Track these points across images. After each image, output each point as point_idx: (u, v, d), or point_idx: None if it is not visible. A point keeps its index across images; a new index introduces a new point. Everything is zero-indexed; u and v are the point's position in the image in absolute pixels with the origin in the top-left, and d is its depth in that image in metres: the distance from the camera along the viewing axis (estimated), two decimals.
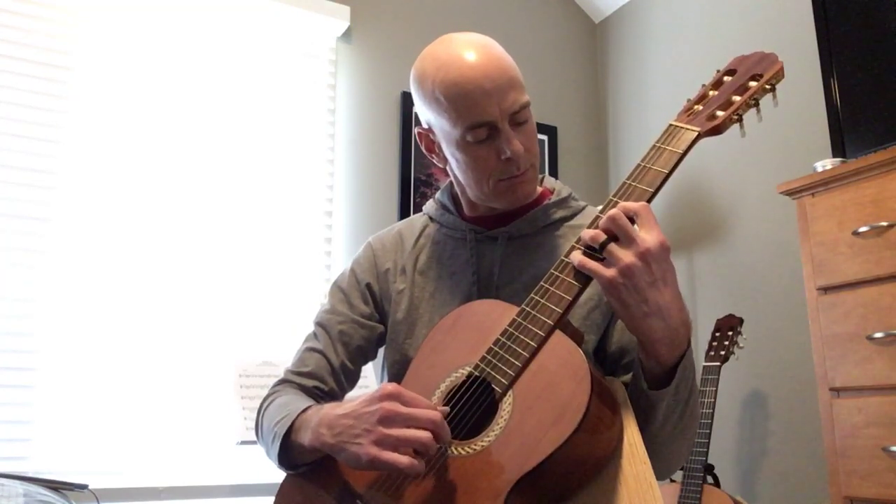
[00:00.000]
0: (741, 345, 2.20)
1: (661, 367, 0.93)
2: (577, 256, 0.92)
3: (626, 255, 0.87)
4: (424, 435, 0.86)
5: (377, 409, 0.88)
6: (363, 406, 0.91)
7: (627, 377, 1.05)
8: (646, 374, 0.95)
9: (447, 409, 0.92)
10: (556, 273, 0.95)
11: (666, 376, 0.94)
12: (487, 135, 1.05)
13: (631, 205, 0.91)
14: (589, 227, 0.95)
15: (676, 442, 1.01)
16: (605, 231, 0.91)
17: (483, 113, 1.03)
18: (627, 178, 0.97)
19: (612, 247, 0.89)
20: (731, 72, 1.04)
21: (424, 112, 1.12)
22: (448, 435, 0.88)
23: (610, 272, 0.88)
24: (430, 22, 2.89)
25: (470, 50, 1.06)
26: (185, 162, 2.39)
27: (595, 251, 0.92)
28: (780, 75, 1.01)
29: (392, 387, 0.90)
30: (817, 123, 2.20)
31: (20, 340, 2.07)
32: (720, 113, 0.99)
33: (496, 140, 1.05)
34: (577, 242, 0.95)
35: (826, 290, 1.75)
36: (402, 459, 0.85)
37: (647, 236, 0.88)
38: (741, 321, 2.22)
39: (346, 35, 2.74)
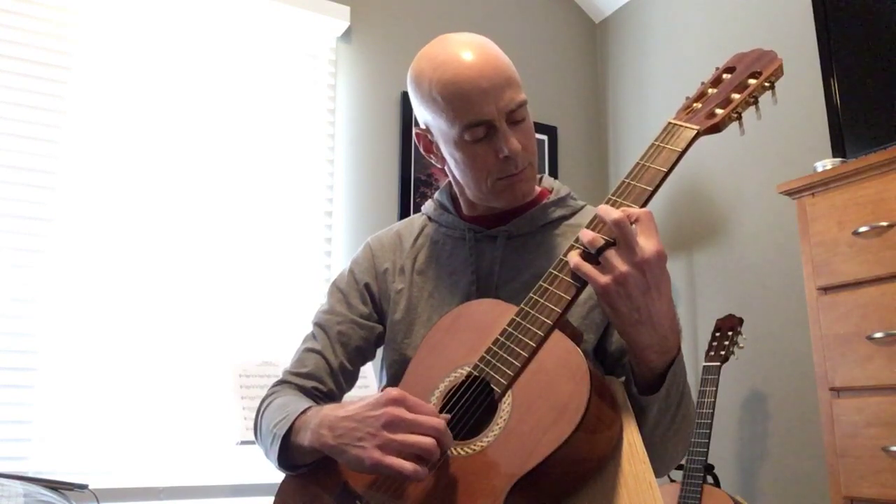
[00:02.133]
0: (741, 345, 2.20)
1: (652, 373, 0.94)
2: (574, 258, 0.92)
3: (622, 263, 0.87)
4: (429, 441, 0.85)
5: (382, 414, 0.88)
6: (367, 410, 0.91)
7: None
8: (636, 378, 0.96)
9: (449, 416, 0.92)
10: (555, 272, 0.95)
11: (656, 381, 0.94)
12: (485, 134, 1.05)
13: (634, 210, 0.91)
14: (588, 226, 0.94)
15: (670, 443, 1.01)
16: (607, 234, 0.90)
17: (480, 112, 1.03)
18: (626, 177, 0.97)
19: (610, 253, 0.88)
20: (730, 69, 1.04)
21: (422, 112, 1.12)
22: (450, 442, 0.88)
23: (604, 279, 0.88)
24: (430, 22, 2.89)
25: (466, 49, 1.06)
26: (186, 162, 2.39)
27: (593, 254, 0.91)
28: (779, 73, 1.01)
29: (396, 392, 0.90)
30: (817, 123, 2.20)
31: (20, 340, 2.07)
32: (719, 111, 0.99)
33: (494, 139, 1.05)
34: (576, 242, 0.95)
35: (826, 290, 1.74)
36: (406, 465, 0.84)
37: (646, 245, 0.88)
38: (741, 321, 2.22)
39: (346, 35, 2.74)
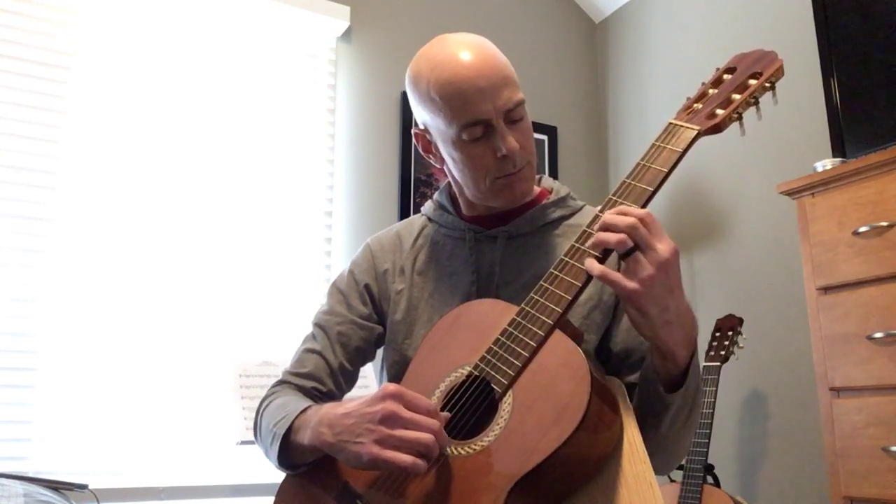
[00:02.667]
0: (741, 345, 2.20)
1: (678, 369, 0.93)
2: (598, 266, 0.89)
3: (647, 266, 0.86)
4: (426, 436, 0.86)
5: (379, 409, 0.88)
6: (365, 406, 0.91)
7: (633, 377, 1.05)
8: (661, 378, 0.95)
9: (448, 415, 0.92)
10: (556, 272, 0.95)
11: (680, 377, 0.94)
12: (483, 133, 1.05)
13: (634, 211, 0.90)
14: (589, 226, 0.94)
15: (682, 440, 1.02)
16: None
17: (478, 111, 1.03)
18: (627, 177, 0.97)
19: (633, 258, 0.86)
20: (730, 70, 1.04)
21: (420, 112, 1.12)
22: (446, 442, 0.88)
23: (633, 284, 0.86)
24: (429, 22, 2.89)
25: (464, 49, 1.06)
26: (186, 162, 2.39)
27: (598, 256, 0.91)
28: (779, 73, 1.01)
29: (394, 387, 0.90)
30: (817, 123, 2.20)
31: (20, 340, 2.06)
32: (720, 111, 0.99)
33: (491, 138, 1.05)
34: (583, 245, 0.94)
35: (826, 290, 1.74)
36: (405, 458, 0.85)
37: (661, 245, 0.87)
38: (741, 321, 2.22)
39: (346, 35, 2.74)
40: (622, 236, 0.87)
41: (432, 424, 0.87)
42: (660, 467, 0.97)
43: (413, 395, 0.90)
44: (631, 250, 0.87)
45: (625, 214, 0.89)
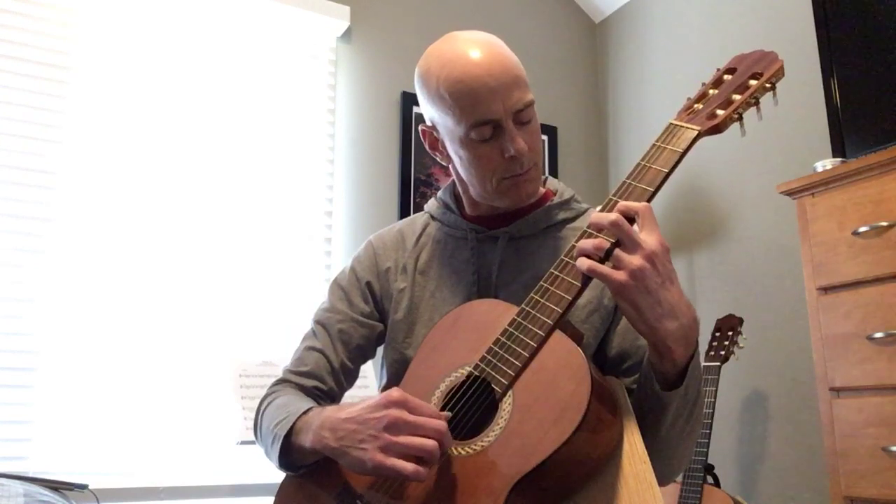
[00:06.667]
0: (741, 345, 2.20)
1: (676, 368, 0.92)
2: (586, 261, 0.89)
3: (633, 259, 0.86)
4: (430, 443, 0.85)
5: (384, 416, 0.88)
6: (368, 412, 0.91)
7: (627, 382, 1.05)
8: (657, 376, 0.95)
9: (450, 414, 0.91)
10: (556, 273, 0.95)
11: (678, 377, 0.93)
12: (491, 133, 1.05)
13: (632, 204, 0.91)
14: (589, 227, 0.94)
15: (683, 445, 1.01)
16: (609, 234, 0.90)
17: (487, 111, 1.03)
18: (627, 178, 0.97)
19: (618, 253, 0.88)
20: (731, 70, 1.04)
21: (429, 109, 1.12)
22: (451, 443, 0.88)
23: (621, 275, 0.86)
24: (430, 22, 2.89)
25: (475, 48, 1.06)
26: (186, 162, 2.39)
27: (599, 256, 0.91)
28: (780, 74, 1.01)
29: (398, 393, 0.90)
30: (817, 123, 2.20)
31: (20, 340, 2.06)
32: (720, 112, 0.99)
33: (500, 138, 1.05)
34: (576, 251, 0.94)
35: (826, 290, 1.74)
36: (408, 466, 0.85)
37: (648, 239, 0.88)
38: (741, 321, 2.22)
39: (346, 35, 2.74)
40: (599, 239, 0.90)
41: (438, 426, 0.87)
42: (657, 476, 0.96)
43: (417, 401, 0.90)
44: (617, 244, 0.88)
45: (625, 209, 0.90)
